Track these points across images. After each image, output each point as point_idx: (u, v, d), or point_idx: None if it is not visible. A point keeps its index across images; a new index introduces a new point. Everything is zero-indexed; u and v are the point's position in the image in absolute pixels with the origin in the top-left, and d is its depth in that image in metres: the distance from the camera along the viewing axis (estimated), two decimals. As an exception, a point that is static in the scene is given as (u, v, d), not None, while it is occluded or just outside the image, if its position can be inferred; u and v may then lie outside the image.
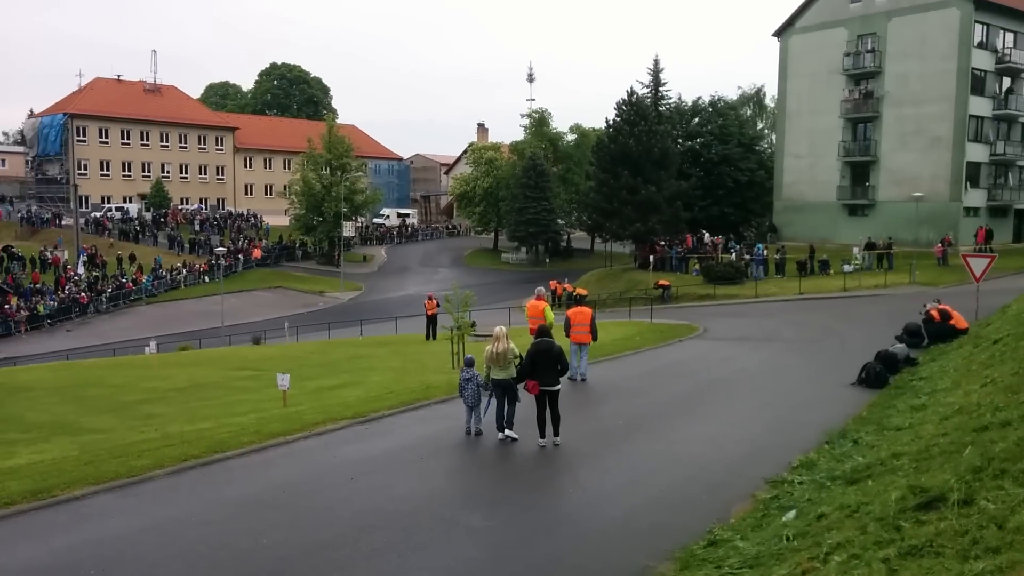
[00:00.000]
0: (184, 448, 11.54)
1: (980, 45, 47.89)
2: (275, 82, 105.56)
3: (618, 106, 54.52)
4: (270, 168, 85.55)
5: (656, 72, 65.15)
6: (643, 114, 54.16)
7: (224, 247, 59.20)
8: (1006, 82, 50.48)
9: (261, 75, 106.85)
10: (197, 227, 70.42)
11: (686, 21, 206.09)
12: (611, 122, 54.61)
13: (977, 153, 48.83)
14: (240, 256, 63.55)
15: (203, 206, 78.15)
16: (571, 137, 78.77)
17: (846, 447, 10.12)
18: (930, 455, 7.77)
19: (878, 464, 8.33)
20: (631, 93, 55.27)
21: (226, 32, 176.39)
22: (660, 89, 65.27)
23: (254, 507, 9.12)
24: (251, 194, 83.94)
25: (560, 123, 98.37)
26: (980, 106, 48.47)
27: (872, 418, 11.82)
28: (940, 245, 42.07)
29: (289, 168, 79.89)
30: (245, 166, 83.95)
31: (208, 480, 10.28)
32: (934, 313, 18.90)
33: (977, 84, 48.08)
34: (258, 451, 11.50)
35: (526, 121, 78.52)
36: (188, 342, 40.06)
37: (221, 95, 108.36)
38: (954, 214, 47.47)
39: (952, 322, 18.53)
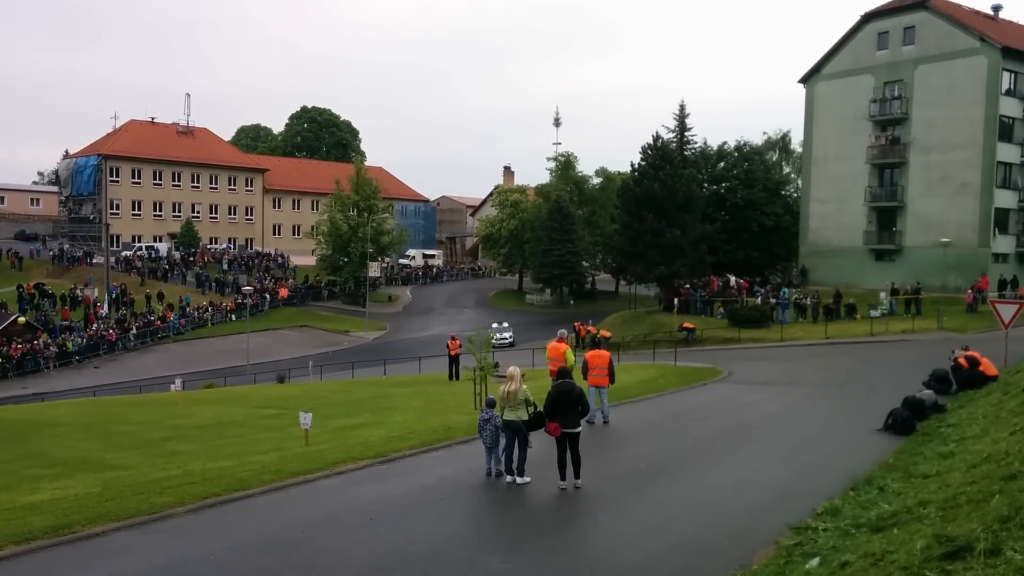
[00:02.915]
0: (205, 486, 11.59)
1: (1008, 92, 47.74)
2: (305, 125, 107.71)
3: (643, 150, 54.94)
4: (298, 209, 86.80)
5: (682, 117, 65.66)
6: (668, 158, 54.51)
7: (251, 286, 59.86)
8: (1034, 128, 50.18)
9: (292, 118, 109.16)
10: (225, 266, 71.39)
11: (713, 66, 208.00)
12: (636, 166, 55.01)
13: (1006, 199, 48.40)
14: (267, 295, 64.21)
15: (231, 246, 79.32)
16: (596, 180, 79.28)
17: (872, 494, 9.94)
18: (957, 503, 7.63)
19: (904, 512, 8.18)
20: (656, 137, 55.73)
21: (258, 75, 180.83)
22: (686, 134, 65.71)
23: (272, 546, 9.11)
24: (279, 234, 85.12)
25: (586, 166, 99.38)
26: (1008, 153, 48.17)
27: (899, 465, 11.62)
28: (970, 291, 41.55)
29: (317, 209, 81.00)
30: (274, 207, 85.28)
31: (228, 518, 10.30)
32: (962, 360, 18.63)
33: (1005, 131, 47.83)
34: (279, 490, 11.51)
35: (552, 164, 79.32)
36: (213, 380, 40.39)
37: (252, 137, 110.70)
38: (982, 260, 46.90)
39: (981, 369, 18.24)
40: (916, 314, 39.88)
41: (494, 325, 51.13)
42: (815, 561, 7.56)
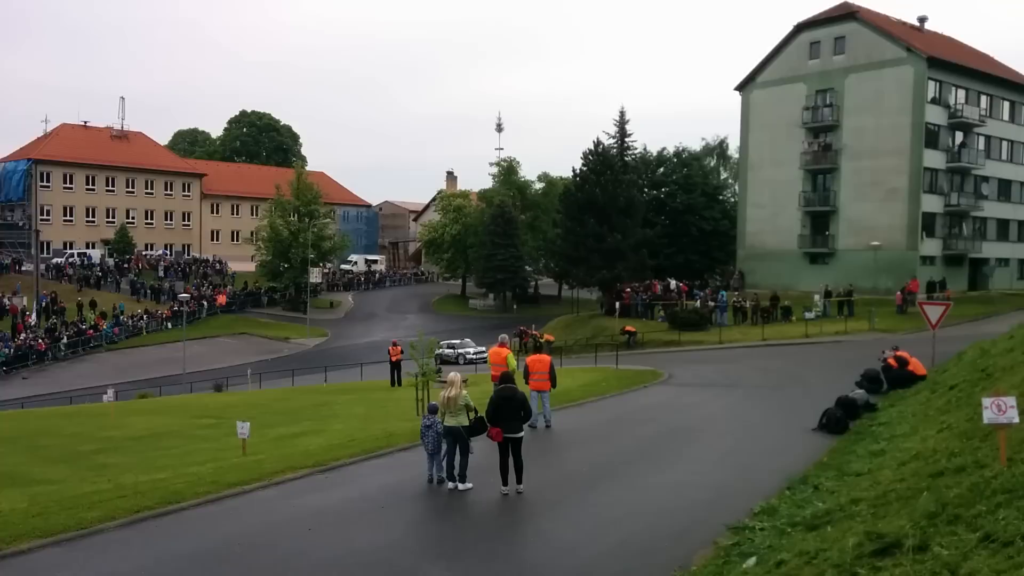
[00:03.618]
0: (137, 499, 11.25)
1: (933, 101, 49.61)
2: (244, 129, 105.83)
3: (585, 156, 55.47)
4: (237, 214, 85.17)
5: (622, 123, 66.62)
6: (609, 164, 55.14)
7: (188, 293, 58.48)
8: (959, 136, 52.21)
9: (230, 122, 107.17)
10: (161, 273, 69.60)
11: (653, 74, 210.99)
12: (578, 171, 55.51)
13: (932, 204, 50.22)
14: (204, 302, 62.79)
15: (168, 252, 77.38)
16: (539, 185, 79.73)
17: (807, 493, 10.16)
18: (887, 501, 7.84)
19: (837, 510, 8.38)
20: (597, 143, 56.34)
21: (196, 79, 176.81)
22: (626, 140, 66.74)
23: (207, 560, 8.89)
24: (217, 240, 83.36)
25: (528, 172, 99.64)
26: (934, 159, 50.01)
27: (832, 464, 11.90)
28: (899, 293, 42.92)
29: (256, 214, 79.57)
30: (212, 212, 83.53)
31: (161, 532, 10.01)
32: (892, 360, 19.23)
33: (931, 138, 49.67)
34: (214, 501, 11.25)
35: (495, 169, 79.49)
36: (148, 390, 39.29)
37: (190, 142, 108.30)
38: (911, 263, 48.56)
39: (910, 368, 18.85)
40: (849, 316, 41.02)
41: (456, 341, 45.66)
42: (752, 561, 7.68)
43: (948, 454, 8.91)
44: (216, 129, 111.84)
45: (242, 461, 14.26)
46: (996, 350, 16.47)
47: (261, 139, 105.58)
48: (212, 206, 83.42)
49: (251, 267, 71.69)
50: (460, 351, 44.30)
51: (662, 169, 69.92)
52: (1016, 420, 7.73)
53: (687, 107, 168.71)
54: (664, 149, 71.77)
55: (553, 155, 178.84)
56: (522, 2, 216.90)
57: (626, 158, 64.91)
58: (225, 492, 11.62)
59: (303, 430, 19.02)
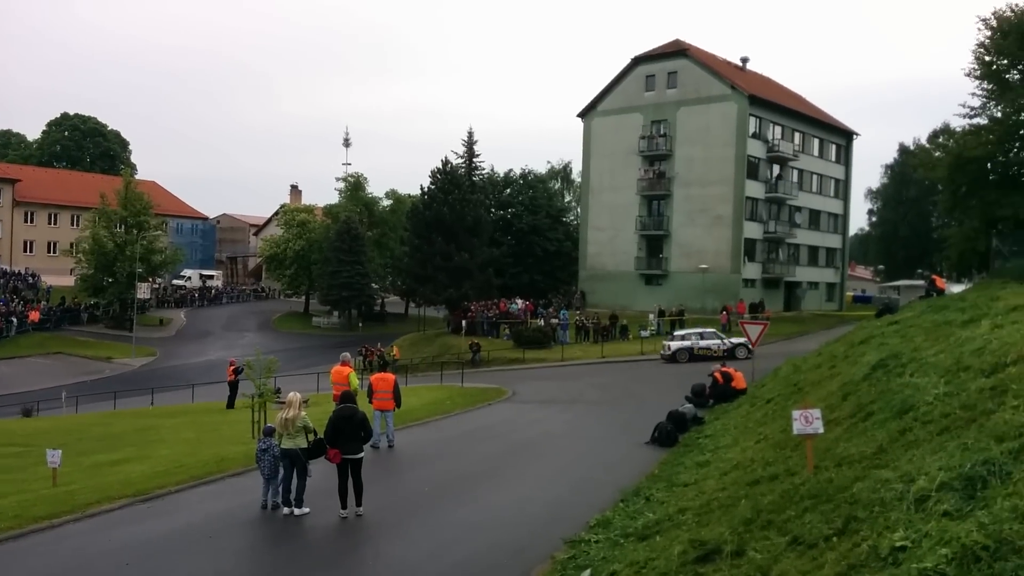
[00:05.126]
0: (-76, 538, 10.06)
1: (754, 135, 53.57)
2: (66, 133, 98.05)
3: (433, 174, 55.62)
4: (55, 224, 78.64)
5: (471, 143, 67.43)
6: (457, 183, 55.58)
7: (-6, 309, 53.31)
8: (775, 169, 56.60)
9: (50, 125, 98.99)
10: (-37, 287, 63.06)
11: (502, 95, 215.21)
12: (426, 189, 55.56)
13: (753, 231, 54.07)
14: (14, 319, 57.44)
15: (-29, 263, 70.24)
16: (387, 202, 79.15)
17: (639, 504, 10.57)
18: (711, 509, 8.28)
19: (666, 520, 8.76)
20: (445, 162, 56.70)
21: (9, 76, 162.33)
22: (474, 160, 67.59)
23: (7, 602, 8.07)
24: (31, 252, 76.55)
25: (376, 188, 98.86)
26: (755, 189, 53.94)
27: (663, 475, 12.46)
28: (724, 313, 45.76)
29: (78, 225, 73.85)
30: (26, 221, 76.63)
31: (-48, 575, 9.01)
32: (717, 376, 20.46)
33: (752, 169, 53.56)
34: (17, 538, 10.27)
35: (341, 185, 78.14)
36: (-57, 416, 35.30)
37: (2, 144, 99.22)
38: (735, 285, 51.99)
39: (733, 383, 20.13)
40: (680, 334, 43.23)
41: (699, 331, 37.09)
42: (587, 573, 7.88)
43: (764, 463, 9.55)
44: (33, 132, 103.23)
45: (52, 493, 13.10)
46: (807, 366, 17.90)
47: (85, 144, 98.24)
48: (26, 214, 76.56)
49: (70, 281, 66.29)
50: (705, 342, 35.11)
51: (509, 190, 71.31)
52: (821, 430, 8.41)
53: (535, 130, 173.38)
54: (511, 171, 73.46)
55: (402, 172, 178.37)
56: (370, 18, 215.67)
57: (474, 178, 65.71)
58: (30, 527, 10.63)
59: (124, 457, 17.73)
